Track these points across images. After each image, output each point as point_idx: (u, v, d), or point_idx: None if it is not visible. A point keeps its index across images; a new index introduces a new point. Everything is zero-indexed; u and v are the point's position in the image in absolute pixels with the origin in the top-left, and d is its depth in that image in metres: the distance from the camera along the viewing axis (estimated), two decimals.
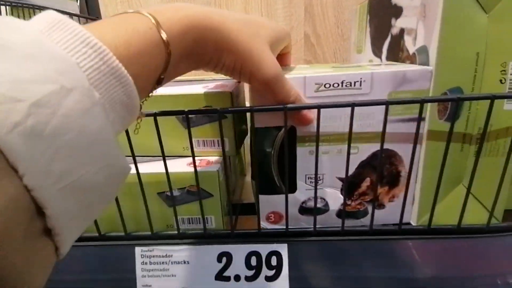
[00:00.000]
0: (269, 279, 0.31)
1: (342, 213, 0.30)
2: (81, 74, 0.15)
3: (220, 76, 0.27)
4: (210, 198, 0.31)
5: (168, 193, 0.31)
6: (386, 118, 0.26)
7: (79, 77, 0.14)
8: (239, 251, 0.31)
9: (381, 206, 0.31)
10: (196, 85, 0.35)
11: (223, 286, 0.31)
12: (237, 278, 0.31)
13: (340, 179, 0.30)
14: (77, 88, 0.14)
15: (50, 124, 0.12)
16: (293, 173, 0.30)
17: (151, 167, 0.31)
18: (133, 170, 0.29)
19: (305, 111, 0.27)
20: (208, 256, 0.31)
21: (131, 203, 0.31)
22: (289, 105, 0.26)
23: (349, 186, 0.30)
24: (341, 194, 0.30)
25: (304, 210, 0.31)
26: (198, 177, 0.29)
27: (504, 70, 0.26)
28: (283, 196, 0.29)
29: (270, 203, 0.31)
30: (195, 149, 0.29)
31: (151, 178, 0.31)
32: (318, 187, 0.29)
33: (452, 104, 0.27)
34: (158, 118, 0.27)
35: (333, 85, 0.27)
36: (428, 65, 0.27)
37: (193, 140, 0.29)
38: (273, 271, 0.30)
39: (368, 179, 0.30)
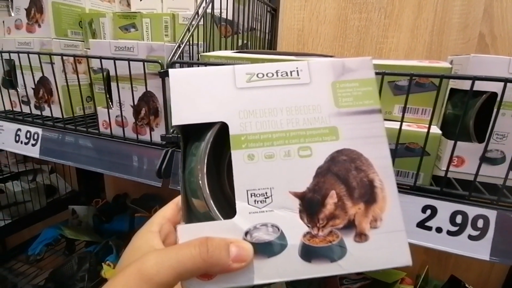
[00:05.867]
0: (472, 238, 0.34)
1: (308, 251, 0.22)
2: None
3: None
4: (427, 157, 0.36)
5: None
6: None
7: None
8: (445, 208, 0.35)
9: (363, 236, 0.22)
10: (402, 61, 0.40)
11: (423, 233, 0.36)
12: (438, 230, 0.35)
13: (297, 195, 0.22)
14: None
15: None
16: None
17: None
18: None
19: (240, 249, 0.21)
20: (413, 205, 0.36)
21: None
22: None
23: (309, 205, 0.22)
24: (301, 218, 0.22)
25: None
26: (426, 136, 0.34)
27: None
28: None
29: None
30: (397, 114, 0.34)
31: None
32: (266, 209, 0.22)
33: None
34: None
35: (266, 74, 0.24)
36: None
37: (399, 106, 0.34)
38: (478, 232, 0.34)
39: (333, 193, 0.22)
